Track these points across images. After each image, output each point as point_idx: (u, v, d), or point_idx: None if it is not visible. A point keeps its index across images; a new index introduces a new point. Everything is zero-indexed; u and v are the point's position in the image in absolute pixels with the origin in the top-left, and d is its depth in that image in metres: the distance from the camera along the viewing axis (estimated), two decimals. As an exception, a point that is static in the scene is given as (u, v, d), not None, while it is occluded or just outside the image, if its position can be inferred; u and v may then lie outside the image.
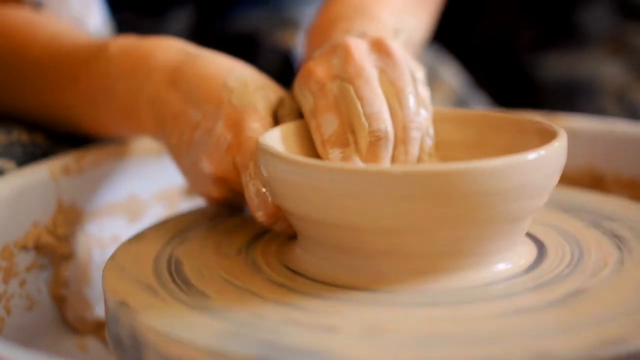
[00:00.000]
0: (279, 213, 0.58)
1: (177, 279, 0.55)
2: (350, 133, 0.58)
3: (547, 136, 0.56)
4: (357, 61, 0.59)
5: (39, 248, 0.69)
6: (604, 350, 0.45)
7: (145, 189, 0.76)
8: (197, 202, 0.77)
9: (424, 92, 0.61)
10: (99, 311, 0.71)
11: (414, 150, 0.59)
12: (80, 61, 0.69)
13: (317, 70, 0.59)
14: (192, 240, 0.61)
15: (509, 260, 0.54)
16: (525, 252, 0.56)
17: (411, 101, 0.59)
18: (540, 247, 0.58)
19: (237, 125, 0.59)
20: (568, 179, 0.77)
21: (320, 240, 0.55)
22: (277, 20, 0.95)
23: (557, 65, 1.17)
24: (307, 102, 0.59)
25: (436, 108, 0.63)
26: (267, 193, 0.57)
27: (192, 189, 0.65)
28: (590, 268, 0.55)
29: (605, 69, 1.15)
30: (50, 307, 0.70)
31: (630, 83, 1.14)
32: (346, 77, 0.58)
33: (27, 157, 0.71)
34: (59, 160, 0.71)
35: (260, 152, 0.55)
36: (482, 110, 0.64)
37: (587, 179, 0.78)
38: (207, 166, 0.60)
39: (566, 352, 0.45)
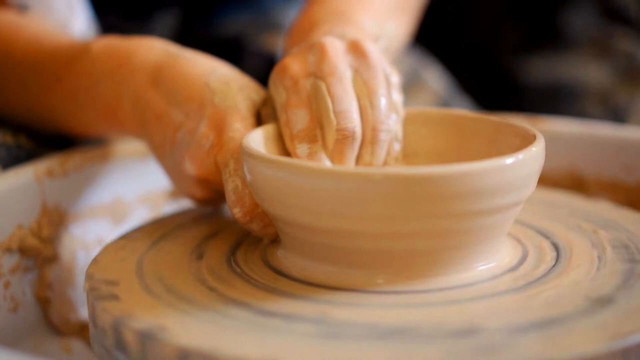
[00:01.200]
0: (255, 212, 0.58)
1: (160, 282, 0.56)
2: (319, 129, 0.58)
3: (525, 139, 0.56)
4: (331, 59, 0.59)
5: (23, 250, 0.69)
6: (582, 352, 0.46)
7: (129, 192, 0.76)
8: (182, 205, 0.77)
9: (398, 97, 0.61)
10: (84, 313, 0.72)
11: (381, 152, 0.60)
12: (63, 61, 0.69)
13: (292, 66, 0.60)
14: (176, 242, 0.61)
15: (490, 261, 0.55)
16: (507, 253, 0.57)
17: (383, 103, 0.59)
18: (521, 248, 0.58)
19: (219, 126, 0.60)
20: (550, 180, 0.78)
21: (304, 243, 0.55)
22: (262, 24, 0.95)
23: (541, 69, 1.18)
24: (279, 97, 0.60)
25: (416, 108, 0.64)
26: (245, 191, 0.58)
27: (176, 188, 0.65)
28: (568, 269, 0.56)
29: (589, 72, 1.16)
30: (34, 309, 0.70)
31: (614, 86, 1.14)
32: (320, 74, 0.59)
33: (11, 160, 0.71)
34: (43, 163, 0.71)
35: (243, 154, 0.55)
36: (460, 111, 0.64)
37: (569, 180, 0.78)
38: (190, 167, 0.61)
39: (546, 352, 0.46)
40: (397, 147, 0.61)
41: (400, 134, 0.61)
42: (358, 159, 0.59)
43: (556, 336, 0.48)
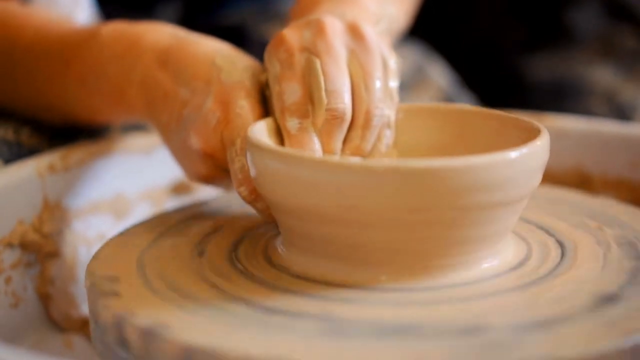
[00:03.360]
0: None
1: (162, 279, 0.55)
2: (310, 105, 0.58)
3: (529, 133, 0.56)
4: (328, 37, 0.59)
5: (25, 245, 0.68)
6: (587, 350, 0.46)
7: (131, 187, 0.76)
8: (184, 201, 0.77)
9: (394, 83, 0.61)
10: (85, 309, 0.71)
11: (372, 137, 0.59)
12: (72, 46, 0.70)
13: (288, 40, 0.60)
14: (177, 239, 0.61)
15: (495, 258, 0.54)
16: (512, 251, 0.56)
17: (378, 86, 0.59)
18: (525, 245, 0.58)
19: (226, 102, 0.60)
20: (555, 178, 0.77)
21: (307, 238, 0.55)
22: (265, 14, 0.95)
23: (545, 66, 1.18)
24: (273, 69, 0.60)
25: (419, 103, 0.64)
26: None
27: (180, 167, 0.65)
28: (574, 266, 0.55)
29: (594, 70, 1.15)
30: (35, 304, 0.69)
31: (619, 84, 1.14)
32: (315, 51, 0.59)
33: (13, 155, 0.71)
34: (45, 158, 0.71)
35: (248, 145, 0.55)
36: (464, 105, 0.64)
37: (574, 178, 0.78)
38: (196, 142, 0.60)
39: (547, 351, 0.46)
40: (388, 134, 0.61)
41: (393, 122, 0.61)
42: (347, 142, 0.59)
43: (563, 334, 0.47)
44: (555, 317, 0.49)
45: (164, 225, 0.63)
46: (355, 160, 0.54)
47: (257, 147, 0.54)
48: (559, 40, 1.19)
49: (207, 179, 0.64)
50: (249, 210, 0.62)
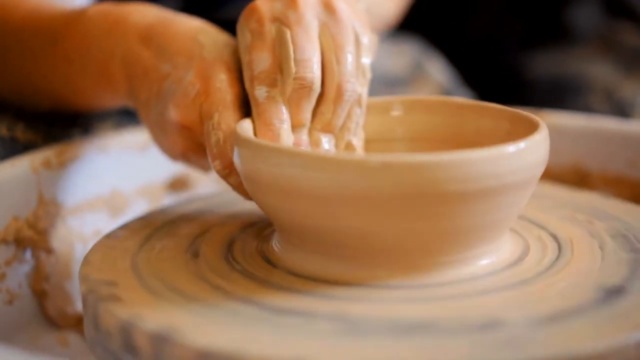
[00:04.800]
0: (235, 166, 0.57)
1: (161, 282, 0.55)
2: (280, 75, 0.58)
3: (530, 127, 0.55)
4: (299, 8, 0.59)
5: (20, 242, 0.68)
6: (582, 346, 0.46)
7: (127, 184, 0.76)
8: (180, 197, 0.77)
9: (366, 59, 0.61)
10: (80, 306, 0.71)
11: (342, 112, 0.59)
12: (59, 26, 0.70)
13: (259, 10, 0.60)
14: (167, 241, 0.60)
15: (495, 254, 0.54)
16: (510, 246, 0.56)
17: (349, 60, 0.59)
18: (522, 240, 0.58)
19: (206, 76, 0.60)
20: (553, 175, 0.77)
21: (300, 236, 0.54)
22: None
23: (545, 64, 1.17)
24: (244, 39, 0.60)
25: (416, 95, 0.63)
26: (227, 145, 0.57)
27: (156, 143, 0.65)
28: (574, 259, 0.55)
29: (594, 67, 1.15)
30: (30, 301, 0.69)
31: (619, 81, 1.14)
32: (286, 21, 0.59)
33: (7, 152, 0.71)
34: (40, 154, 0.70)
35: (236, 142, 0.55)
36: (463, 99, 0.63)
37: (573, 175, 0.78)
38: (174, 114, 0.61)
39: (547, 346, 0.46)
40: (359, 112, 0.61)
41: (365, 98, 0.61)
42: (318, 116, 0.59)
43: (578, 328, 0.47)
44: (566, 310, 0.49)
45: (149, 227, 0.63)
46: (350, 155, 0.54)
47: (244, 143, 0.54)
48: (558, 38, 1.19)
49: (183, 155, 0.64)
50: (237, 209, 0.61)
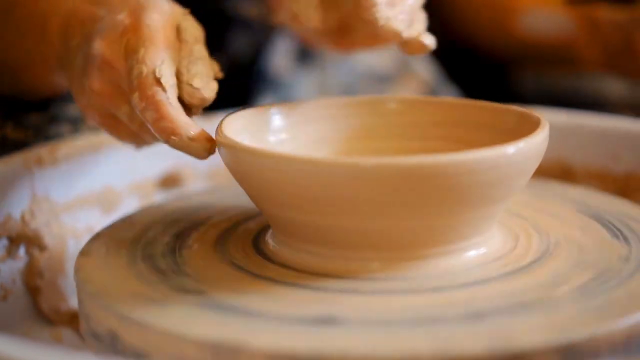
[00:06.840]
0: (152, 99, 0.57)
1: (152, 271, 0.56)
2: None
3: (528, 125, 0.56)
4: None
5: (13, 238, 0.69)
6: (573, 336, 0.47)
7: (119, 181, 0.76)
8: (172, 194, 0.77)
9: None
10: (74, 302, 0.71)
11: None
12: None
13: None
14: (166, 232, 0.61)
15: (481, 248, 0.55)
16: (499, 238, 0.57)
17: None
18: (511, 236, 0.59)
19: (138, 14, 0.60)
20: (538, 170, 0.78)
21: (292, 231, 0.55)
22: None
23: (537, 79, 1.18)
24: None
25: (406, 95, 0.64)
26: (148, 78, 0.57)
27: (76, 99, 0.64)
28: (559, 247, 0.57)
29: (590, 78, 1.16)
30: (24, 297, 0.69)
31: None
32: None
33: None
34: (32, 152, 0.71)
35: (227, 145, 0.55)
36: (459, 99, 0.64)
37: (557, 170, 0.79)
38: (99, 47, 0.60)
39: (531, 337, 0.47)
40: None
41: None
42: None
43: (565, 316, 0.48)
44: (562, 298, 0.50)
45: (151, 218, 0.63)
46: (345, 159, 0.55)
47: (236, 148, 0.54)
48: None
49: (99, 97, 0.61)
50: (231, 204, 0.62)
